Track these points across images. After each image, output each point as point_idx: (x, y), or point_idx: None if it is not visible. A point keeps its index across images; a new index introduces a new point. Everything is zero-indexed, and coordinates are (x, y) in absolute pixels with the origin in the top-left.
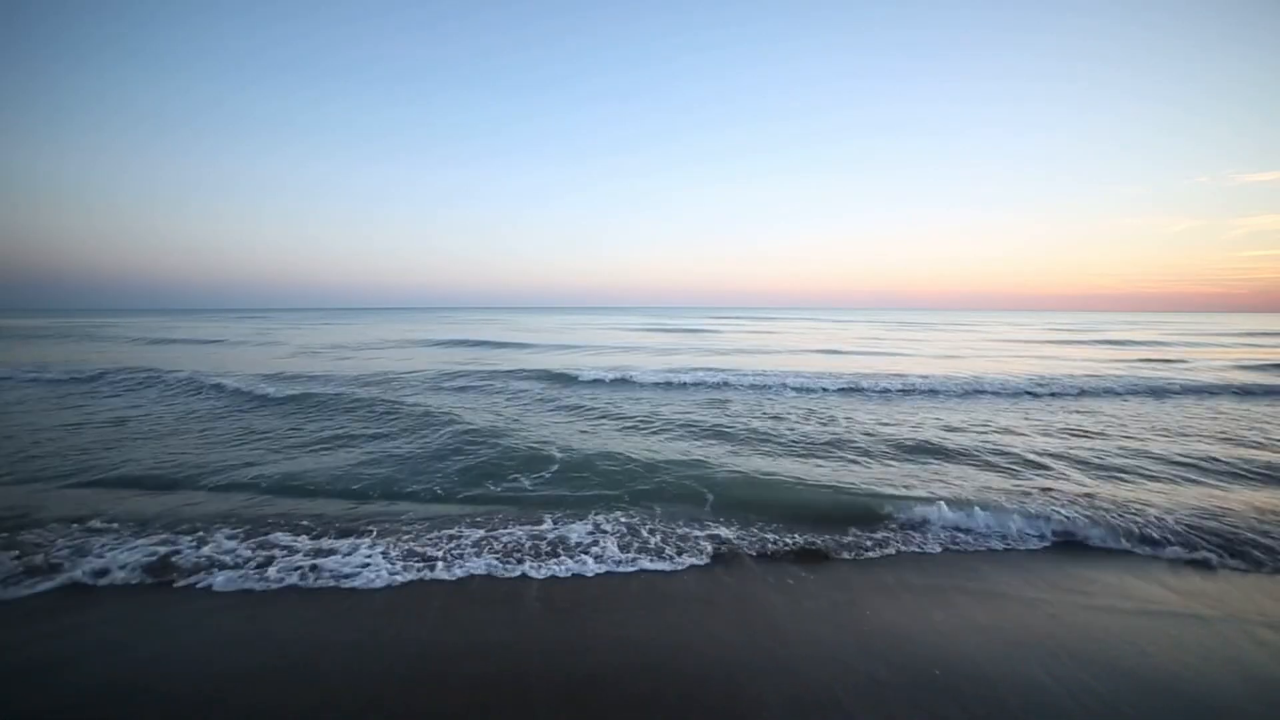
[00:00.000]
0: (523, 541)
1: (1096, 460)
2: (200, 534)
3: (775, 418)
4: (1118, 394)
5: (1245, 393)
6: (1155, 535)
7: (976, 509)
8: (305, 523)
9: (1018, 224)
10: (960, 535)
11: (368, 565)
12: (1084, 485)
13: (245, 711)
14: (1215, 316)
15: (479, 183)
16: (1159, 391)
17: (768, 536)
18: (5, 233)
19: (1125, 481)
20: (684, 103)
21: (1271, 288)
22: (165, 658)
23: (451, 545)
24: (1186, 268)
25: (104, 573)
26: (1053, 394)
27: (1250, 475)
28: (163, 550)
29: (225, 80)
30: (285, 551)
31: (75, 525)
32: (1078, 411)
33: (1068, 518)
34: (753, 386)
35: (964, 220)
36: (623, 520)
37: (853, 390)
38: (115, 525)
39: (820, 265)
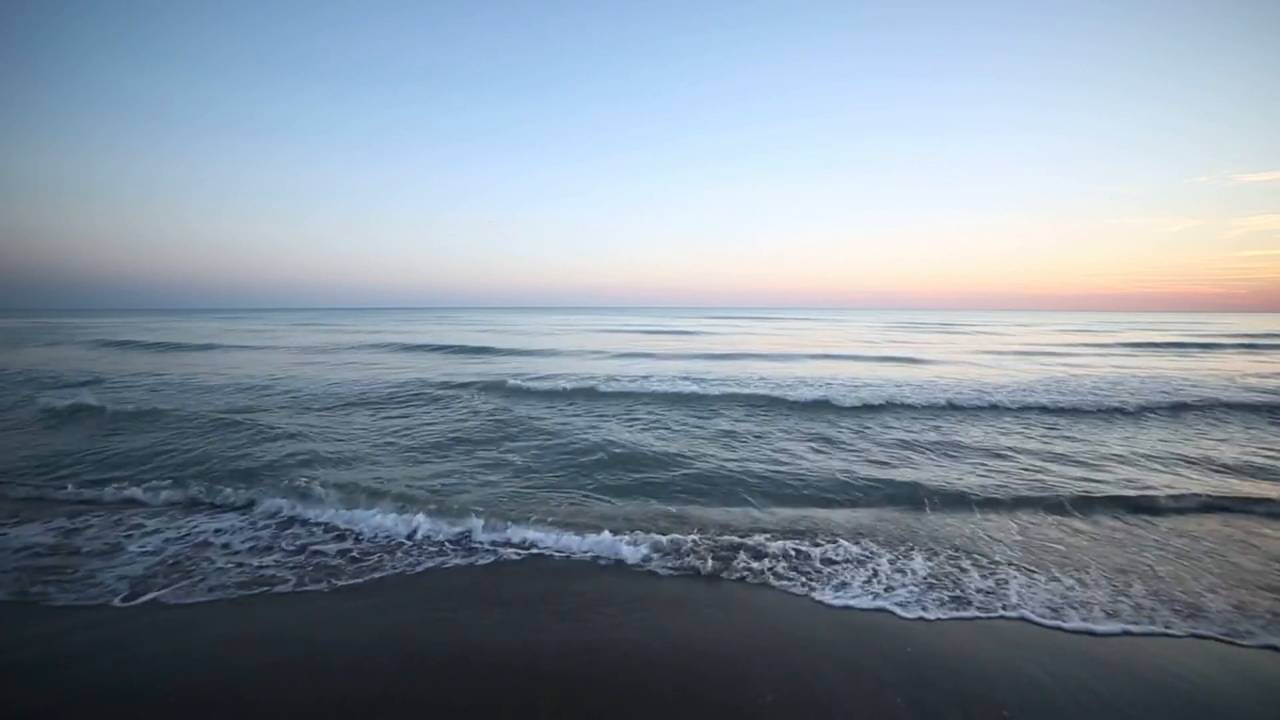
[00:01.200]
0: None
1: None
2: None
3: (728, 435)
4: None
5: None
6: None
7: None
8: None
9: (1018, 224)
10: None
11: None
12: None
13: (248, 710)
14: (1216, 316)
15: (481, 183)
16: None
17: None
18: (5, 233)
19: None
20: (686, 103)
21: (1270, 288)
22: (165, 657)
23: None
24: (1186, 268)
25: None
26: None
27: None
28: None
29: (225, 80)
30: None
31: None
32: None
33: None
34: (722, 395)
35: (964, 220)
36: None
37: (824, 404)
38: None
39: (822, 265)
